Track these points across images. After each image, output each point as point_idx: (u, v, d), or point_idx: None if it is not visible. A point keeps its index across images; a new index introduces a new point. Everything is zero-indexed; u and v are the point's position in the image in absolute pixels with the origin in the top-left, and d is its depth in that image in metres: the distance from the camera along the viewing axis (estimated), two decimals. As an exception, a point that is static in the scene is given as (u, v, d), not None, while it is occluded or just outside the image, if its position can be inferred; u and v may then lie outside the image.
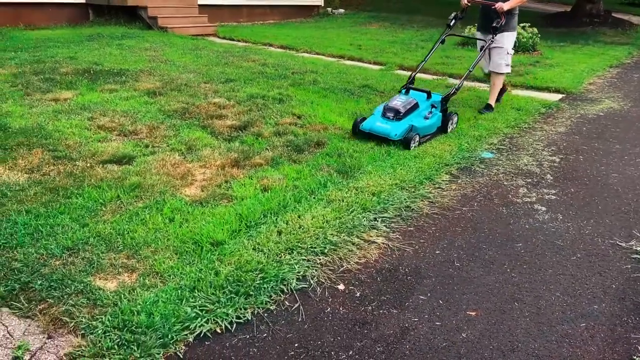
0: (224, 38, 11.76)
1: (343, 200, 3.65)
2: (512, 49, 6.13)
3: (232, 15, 14.83)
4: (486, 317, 2.56)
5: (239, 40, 11.42)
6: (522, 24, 11.51)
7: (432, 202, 3.82)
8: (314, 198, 3.68)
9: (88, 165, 3.94)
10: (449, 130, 5.32)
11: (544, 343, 2.39)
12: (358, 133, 4.93)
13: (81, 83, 6.27)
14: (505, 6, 5.67)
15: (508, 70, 6.25)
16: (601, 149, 5.22)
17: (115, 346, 2.25)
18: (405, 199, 3.77)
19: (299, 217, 3.39)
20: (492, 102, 6.36)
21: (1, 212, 3.18)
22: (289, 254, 2.98)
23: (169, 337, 2.32)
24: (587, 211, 3.79)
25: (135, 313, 2.42)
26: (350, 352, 2.30)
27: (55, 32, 10.26)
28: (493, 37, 5.78)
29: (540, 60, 10.41)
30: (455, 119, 5.50)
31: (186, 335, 2.35)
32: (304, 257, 2.97)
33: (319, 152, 4.60)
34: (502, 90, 6.73)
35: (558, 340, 2.41)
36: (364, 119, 5.01)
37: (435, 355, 2.29)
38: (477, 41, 6.52)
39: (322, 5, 18.01)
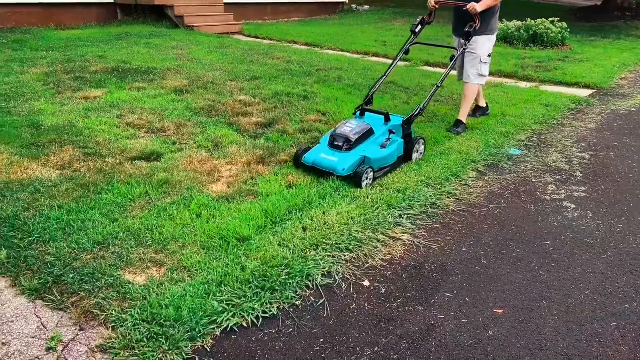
0: (249, 36, 11.84)
1: (368, 197, 3.65)
2: (489, 55, 5.22)
3: (257, 13, 14.90)
4: (513, 315, 2.53)
5: (264, 38, 11.47)
6: (550, 19, 11.32)
7: (458, 199, 3.79)
8: (338, 195, 3.68)
9: (117, 162, 4.02)
10: (414, 158, 4.35)
11: (573, 342, 2.35)
12: (301, 166, 4.06)
13: (110, 81, 6.39)
14: (479, 7, 4.72)
15: (481, 81, 5.29)
16: (633, 146, 5.09)
17: (145, 339, 2.29)
18: (431, 196, 3.74)
19: (323, 213, 3.40)
20: (462, 117, 5.29)
21: (35, 207, 3.27)
22: (314, 250, 3.00)
23: (197, 330, 2.36)
24: (618, 209, 3.70)
25: (164, 307, 2.46)
26: (376, 349, 2.30)
27: (85, 31, 10.46)
28: (465, 44, 4.93)
29: (570, 56, 10.20)
30: (422, 144, 4.48)
31: (213, 329, 2.39)
32: (329, 254, 2.98)
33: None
34: (480, 108, 5.81)
35: (588, 340, 2.37)
36: (308, 149, 4.11)
37: (462, 352, 2.28)
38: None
39: (347, 1, 17.96)
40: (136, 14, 11.90)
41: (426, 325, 2.45)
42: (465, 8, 4.79)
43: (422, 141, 4.46)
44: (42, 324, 2.39)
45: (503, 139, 5.08)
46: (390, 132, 4.15)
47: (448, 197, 3.79)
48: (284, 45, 10.58)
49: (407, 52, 5.15)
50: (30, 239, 2.95)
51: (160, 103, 5.60)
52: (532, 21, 11.26)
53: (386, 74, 4.88)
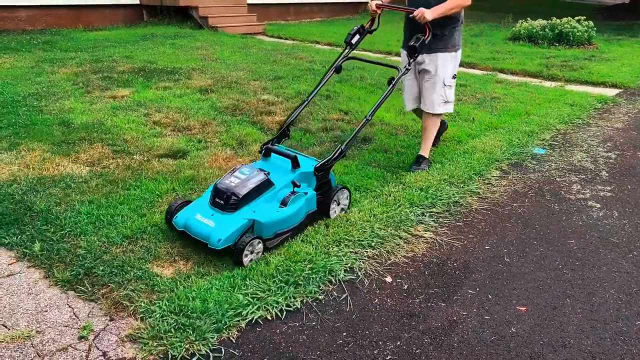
0: (272, 36, 11.92)
1: (390, 195, 3.67)
2: (453, 77, 4.09)
3: (280, 13, 15.00)
4: (537, 312, 2.53)
5: (286, 39, 11.55)
6: (577, 17, 11.16)
7: (481, 197, 3.79)
8: (361, 192, 3.71)
9: (145, 159, 4.11)
10: (332, 215, 3.32)
11: (597, 340, 2.34)
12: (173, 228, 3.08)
13: (137, 81, 6.52)
14: (429, 14, 3.62)
15: (448, 108, 4.15)
16: (661, 145, 5.02)
17: (172, 329, 2.36)
18: (454, 194, 3.75)
19: (346, 211, 3.43)
20: (425, 152, 4.23)
21: (66, 202, 3.37)
22: (337, 246, 3.03)
23: (223, 322, 2.42)
24: (644, 208, 3.67)
25: (191, 299, 2.52)
26: (398, 343, 2.32)
27: (112, 32, 10.67)
28: (410, 63, 3.80)
29: (596, 55, 10.05)
30: (346, 196, 3.42)
31: (238, 321, 2.44)
32: (351, 250, 3.01)
33: (366, 147, 4.62)
34: (442, 131, 4.68)
35: (612, 338, 2.36)
36: (186, 203, 3.10)
37: (484, 348, 2.29)
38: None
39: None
40: (161, 15, 12.09)
41: (448, 321, 2.46)
42: (412, 15, 3.75)
43: (345, 192, 3.40)
44: (74, 313, 2.47)
45: (527, 138, 5.05)
46: (295, 184, 3.10)
47: (471, 196, 3.79)
48: (307, 45, 10.64)
49: (338, 70, 3.97)
50: (62, 232, 3.05)
51: (185, 102, 5.70)
52: (558, 20, 11.11)
53: (308, 99, 3.79)
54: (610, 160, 4.58)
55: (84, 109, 5.31)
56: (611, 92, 7.30)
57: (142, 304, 2.51)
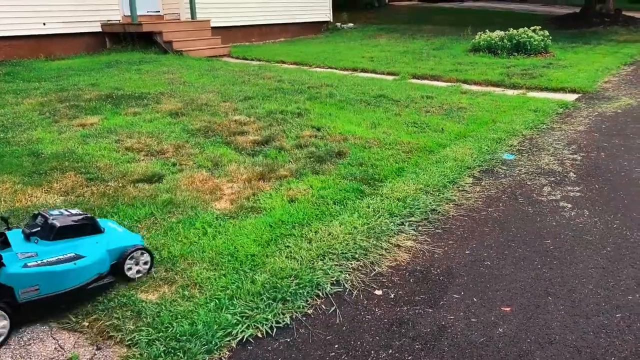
0: (237, 58, 11.98)
1: (369, 207, 3.72)
2: None
3: (244, 35, 15.10)
4: (521, 312, 2.59)
5: (252, 60, 11.62)
6: (532, 27, 11.59)
7: (457, 204, 3.87)
8: (340, 206, 3.75)
9: (120, 185, 4.06)
10: None
11: (580, 335, 2.42)
12: None
13: (105, 108, 6.45)
14: None
15: None
16: (622, 145, 5.22)
17: (162, 354, 2.32)
18: (430, 203, 3.82)
19: (327, 225, 3.46)
20: None
21: (42, 233, 3.30)
22: (321, 260, 3.05)
23: (213, 343, 2.40)
24: (613, 206, 3.80)
25: (178, 322, 2.50)
26: (390, 351, 2.35)
27: (74, 61, 10.54)
28: None
29: (553, 62, 10.43)
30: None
31: (229, 340, 2.42)
32: (335, 263, 3.03)
33: (341, 162, 4.68)
34: None
35: (595, 332, 2.43)
36: None
37: (474, 350, 2.33)
38: None
39: (331, 20, 18.24)
40: (124, 41, 12.02)
41: (437, 326, 2.50)
42: None
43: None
44: (59, 345, 2.42)
45: (495, 145, 5.19)
46: None
47: (447, 203, 3.87)
48: (273, 65, 10.72)
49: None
50: (40, 263, 2.97)
51: (156, 126, 5.67)
52: (515, 30, 11.51)
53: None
54: (577, 162, 4.74)
55: (52, 139, 5.22)
56: (571, 97, 7.59)
57: (129, 331, 2.47)
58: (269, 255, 3.09)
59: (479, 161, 4.73)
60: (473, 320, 2.54)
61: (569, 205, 3.82)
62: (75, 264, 2.60)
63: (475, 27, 14.04)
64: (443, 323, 2.53)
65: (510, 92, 7.91)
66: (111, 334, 2.47)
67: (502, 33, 11.68)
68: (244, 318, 2.55)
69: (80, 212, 2.85)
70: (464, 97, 7.39)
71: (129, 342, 2.42)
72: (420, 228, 3.50)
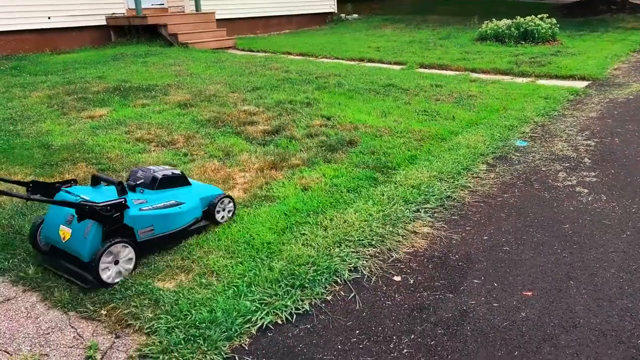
0: (243, 50, 11.93)
1: (384, 195, 3.69)
2: None
3: (249, 27, 15.03)
4: (543, 296, 2.56)
5: (258, 51, 11.57)
6: (540, 15, 11.48)
7: (472, 191, 3.83)
8: (354, 193, 3.72)
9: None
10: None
11: (605, 318, 2.38)
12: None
13: (113, 100, 6.43)
14: None
15: None
16: (636, 131, 5.16)
17: (182, 341, 2.31)
18: (445, 190, 3.78)
19: (342, 212, 3.43)
20: None
21: (56, 223, 3.28)
22: (338, 247, 3.03)
23: (233, 330, 2.38)
24: (630, 191, 3.76)
25: (197, 310, 2.48)
26: (412, 336, 2.32)
27: (80, 54, 10.52)
28: None
29: (562, 50, 10.33)
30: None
31: (248, 327, 2.40)
32: (352, 250, 3.01)
33: (353, 150, 4.64)
34: None
35: (619, 315, 2.40)
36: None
37: (498, 334, 2.31)
38: None
39: (336, 11, 18.13)
40: (129, 34, 11.98)
41: (459, 311, 2.48)
42: None
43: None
44: (77, 334, 2.41)
45: (508, 132, 5.14)
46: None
47: (462, 190, 3.83)
48: (279, 56, 10.67)
49: None
50: (56, 253, 2.96)
51: (166, 117, 5.64)
52: (522, 19, 11.41)
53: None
54: (591, 148, 4.69)
55: (62, 131, 5.21)
56: (581, 84, 7.51)
57: (147, 319, 2.46)
58: (285, 242, 3.06)
59: (492, 148, 4.68)
60: (495, 305, 2.51)
61: (586, 191, 3.78)
62: (180, 207, 3.06)
63: (480, 16, 13.92)
64: (464, 308, 2.50)
65: (519, 80, 7.84)
66: (129, 322, 2.46)
67: (509, 21, 11.58)
68: (262, 305, 2.53)
69: (171, 167, 3.30)
70: (473, 85, 7.33)
71: (148, 330, 2.40)
72: (436, 215, 3.46)
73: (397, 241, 3.12)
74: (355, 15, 18.68)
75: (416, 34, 13.96)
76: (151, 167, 3.18)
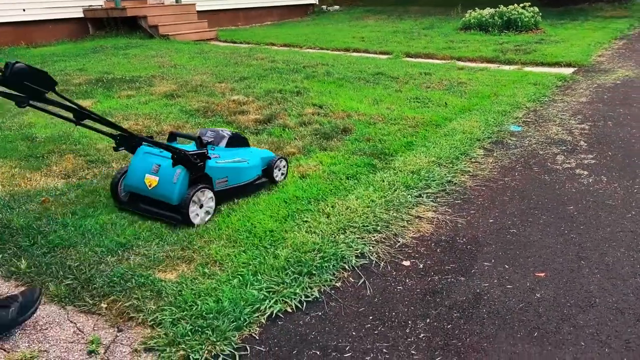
0: (225, 41, 11.75)
1: (384, 181, 3.62)
2: None
3: (230, 19, 14.82)
4: (556, 277, 2.52)
5: (241, 42, 11.40)
6: (522, 4, 11.52)
7: (472, 175, 3.79)
8: (354, 180, 3.65)
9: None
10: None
11: (621, 297, 2.35)
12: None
13: (97, 92, 6.25)
14: None
15: None
16: (628, 114, 5.19)
17: (190, 333, 2.21)
18: (445, 174, 3.74)
19: (343, 199, 3.36)
20: None
21: (47, 216, 3.15)
22: (342, 233, 2.95)
23: (241, 319, 2.29)
24: (630, 172, 3.75)
25: (202, 300, 2.38)
26: (428, 320, 2.26)
27: (58, 47, 10.24)
28: None
29: (545, 38, 10.39)
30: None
31: (257, 316, 2.32)
32: (357, 236, 2.93)
33: (348, 138, 4.57)
34: None
35: (635, 293, 2.37)
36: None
37: (515, 316, 2.26)
38: None
39: (317, 3, 18.00)
40: (108, 27, 11.70)
41: (473, 294, 2.42)
42: None
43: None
44: (78, 328, 2.29)
45: (501, 117, 5.12)
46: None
47: (462, 174, 3.79)
48: (263, 47, 10.53)
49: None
50: (49, 246, 2.83)
51: (153, 108, 5.50)
52: (505, 7, 11.44)
53: None
54: (585, 131, 4.69)
55: (45, 123, 5.03)
56: (567, 70, 7.54)
57: (151, 311, 2.35)
58: (287, 230, 2.98)
59: (488, 133, 4.65)
60: (509, 286, 2.47)
61: (586, 173, 3.77)
62: (247, 163, 3.40)
63: (463, 6, 13.94)
64: (478, 291, 2.45)
65: (506, 67, 7.84)
66: (132, 315, 2.35)
67: (492, 10, 11.60)
68: (270, 293, 2.45)
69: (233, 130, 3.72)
70: (461, 72, 7.31)
71: (152, 322, 2.30)
72: (438, 199, 3.41)
73: (402, 226, 3.06)
74: (337, 7, 18.58)
75: (399, 24, 13.91)
76: (217, 128, 3.57)
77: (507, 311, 2.30)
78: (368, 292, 2.49)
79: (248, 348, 2.16)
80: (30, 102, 2.53)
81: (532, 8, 11.44)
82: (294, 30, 13.38)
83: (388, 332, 2.21)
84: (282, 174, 3.67)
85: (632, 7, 16.22)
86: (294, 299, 2.42)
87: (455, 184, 3.63)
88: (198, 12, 12.81)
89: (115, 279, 2.56)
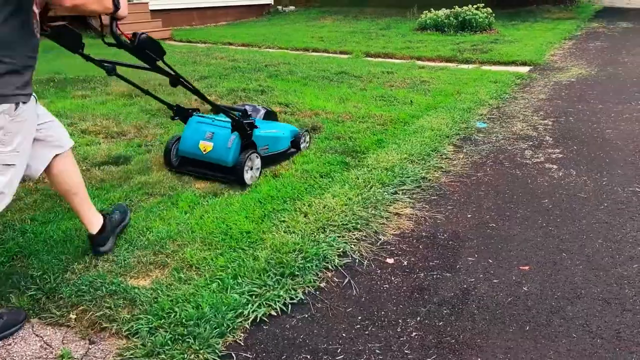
0: (181, 41, 11.46)
1: (358, 178, 3.56)
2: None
3: (184, 19, 14.48)
4: (540, 270, 2.53)
5: (197, 42, 11.14)
6: (475, 5, 11.77)
7: (445, 171, 3.78)
8: (328, 179, 3.57)
9: (84, 168, 3.69)
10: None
11: (605, 287, 2.37)
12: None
13: (49, 92, 5.94)
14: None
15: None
16: (587, 110, 5.33)
17: (169, 342, 2.08)
18: (419, 171, 3.71)
19: (320, 197, 3.28)
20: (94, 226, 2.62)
21: (3, 223, 2.92)
22: (322, 232, 2.87)
23: (224, 325, 2.17)
24: (596, 165, 3.84)
25: (181, 307, 2.25)
26: (418, 318, 2.21)
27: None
28: None
29: (499, 38, 10.63)
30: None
31: (241, 322, 2.20)
32: (338, 235, 2.86)
33: (317, 136, 4.49)
34: None
35: (618, 283, 2.40)
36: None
37: (504, 310, 2.24)
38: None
39: (272, 3, 17.86)
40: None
41: (460, 290, 2.39)
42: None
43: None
44: (45, 342, 2.12)
45: (467, 114, 5.16)
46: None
47: (436, 171, 3.77)
48: (221, 46, 10.32)
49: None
50: (7, 255, 2.62)
51: (111, 108, 5.26)
52: (459, 8, 11.65)
53: None
54: (549, 127, 4.79)
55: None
56: (524, 69, 7.72)
57: (125, 320, 2.20)
58: (265, 231, 2.87)
59: (455, 130, 4.67)
60: (495, 281, 2.45)
61: (555, 167, 3.83)
62: (282, 134, 3.89)
63: (419, 7, 14.12)
64: (465, 286, 2.42)
65: (465, 66, 7.96)
66: (104, 325, 2.20)
67: (447, 11, 11.79)
68: (253, 297, 2.34)
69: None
70: (423, 71, 7.36)
71: (127, 332, 2.15)
72: (415, 195, 3.38)
73: (381, 224, 3.00)
74: (292, 8, 18.49)
75: (356, 24, 13.95)
76: (254, 104, 4.08)
77: (497, 306, 2.27)
78: (354, 291, 2.42)
79: (234, 355, 2.05)
80: (115, 72, 3.12)
81: (485, 9, 11.70)
82: (251, 30, 13.20)
83: (379, 332, 2.14)
84: (307, 143, 4.17)
85: (577, 9, 16.88)
86: (278, 301, 2.32)
87: (430, 180, 3.61)
88: (151, 11, 12.45)
89: (83, 287, 2.39)
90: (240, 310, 2.26)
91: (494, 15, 11.87)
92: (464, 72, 7.34)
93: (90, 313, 2.26)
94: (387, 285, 2.45)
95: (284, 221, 2.98)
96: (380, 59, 8.75)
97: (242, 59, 8.26)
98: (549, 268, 2.53)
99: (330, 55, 9.25)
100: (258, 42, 10.60)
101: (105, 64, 3.09)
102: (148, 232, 2.86)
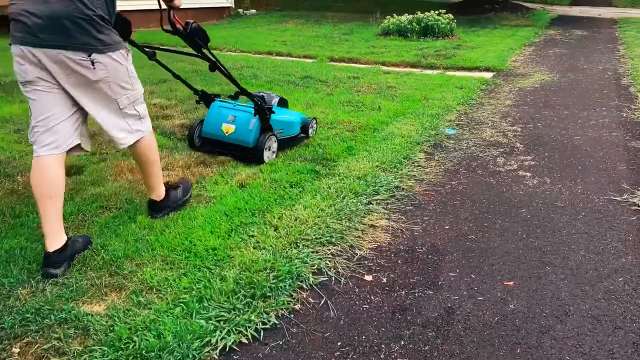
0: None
1: (330, 187, 3.39)
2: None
3: (142, 21, 14.00)
4: (525, 285, 2.41)
5: (155, 45, 10.75)
6: (437, 11, 11.83)
7: (419, 179, 3.66)
8: (298, 188, 3.39)
9: (29, 181, 3.38)
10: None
11: (593, 302, 2.27)
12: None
13: (-6, 96, 5.53)
14: None
15: (144, 128, 2.90)
16: (554, 116, 5.33)
17: (128, 378, 1.85)
18: (392, 180, 3.57)
19: (290, 209, 3.09)
20: (160, 191, 2.94)
21: (-64, 242, 2.61)
22: (295, 247, 2.68)
23: (190, 356, 1.96)
24: (570, 172, 3.79)
25: (140, 336, 2.02)
26: (402, 342, 2.05)
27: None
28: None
29: (462, 44, 10.69)
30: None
31: (209, 351, 1.99)
32: (311, 250, 2.68)
33: (284, 143, 4.29)
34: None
35: (605, 299, 2.30)
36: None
37: (493, 331, 2.10)
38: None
39: (233, 6, 17.56)
40: None
41: (444, 309, 2.24)
42: None
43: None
44: (-18, 383, 1.85)
45: (436, 121, 5.07)
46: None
47: (409, 179, 3.64)
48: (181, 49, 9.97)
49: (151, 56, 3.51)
50: (-60, 280, 2.32)
51: (62, 113, 4.90)
52: (422, 14, 11.68)
53: None
54: (518, 133, 4.74)
55: None
56: (487, 75, 7.74)
57: (77, 352, 1.96)
58: (233, 247, 2.66)
59: (425, 136, 4.57)
60: (480, 298, 2.31)
61: (529, 174, 3.76)
62: (294, 119, 4.22)
63: (379, 13, 14.12)
64: (449, 305, 2.27)
65: (429, 72, 7.91)
66: (52, 359, 1.95)
67: (410, 17, 11.80)
68: (221, 322, 2.13)
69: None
70: (389, 76, 7.27)
71: (79, 367, 1.90)
72: (389, 206, 3.23)
73: (357, 237, 2.84)
74: (253, 11, 18.23)
75: (319, 29, 13.83)
76: (268, 92, 4.22)
77: (484, 326, 2.13)
78: (332, 313, 2.24)
79: (202, 391, 1.83)
80: (155, 57, 3.51)
81: (447, 15, 11.78)
82: (211, 32, 12.76)
83: (361, 358, 1.96)
84: (314, 130, 4.48)
85: (533, 17, 17.28)
86: (249, 327, 2.12)
87: (404, 189, 3.48)
88: (107, 12, 11.97)
89: (28, 315, 2.13)
90: (207, 338, 2.04)
91: (455, 21, 11.96)
92: (429, 77, 7.29)
93: (37, 345, 2.00)
94: (366, 306, 2.28)
95: (253, 236, 2.78)
96: (344, 64, 8.62)
97: (202, 62, 7.95)
98: (534, 283, 2.42)
99: (294, 59, 9.08)
100: (219, 46, 10.32)
101: (147, 50, 3.40)
102: (103, 250, 2.60)
